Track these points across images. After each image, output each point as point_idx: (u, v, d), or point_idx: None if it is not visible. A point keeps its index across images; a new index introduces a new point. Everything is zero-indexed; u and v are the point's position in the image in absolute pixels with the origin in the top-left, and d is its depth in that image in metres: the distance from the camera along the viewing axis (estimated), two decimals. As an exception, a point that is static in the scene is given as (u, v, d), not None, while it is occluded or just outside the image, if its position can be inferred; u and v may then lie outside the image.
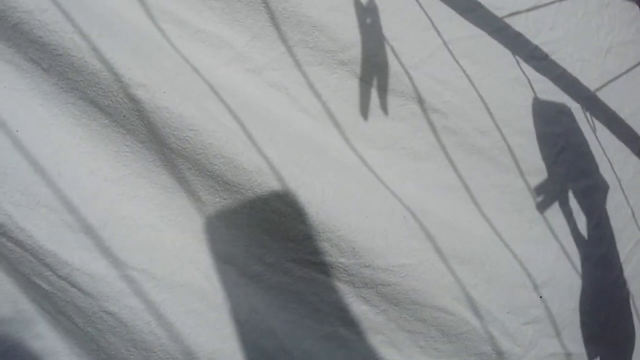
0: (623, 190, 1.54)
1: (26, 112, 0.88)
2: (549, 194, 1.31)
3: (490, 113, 1.21)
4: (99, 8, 0.86)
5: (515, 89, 1.27)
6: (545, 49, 1.37)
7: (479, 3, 1.26)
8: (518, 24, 1.33)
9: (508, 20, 1.30)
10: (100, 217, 0.88)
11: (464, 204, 1.16)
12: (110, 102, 0.85)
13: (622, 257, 1.48)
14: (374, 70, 1.06)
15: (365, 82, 1.06)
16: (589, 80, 1.47)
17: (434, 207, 1.10)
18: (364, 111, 1.04)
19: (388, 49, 1.07)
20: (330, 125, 1.04)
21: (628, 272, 1.51)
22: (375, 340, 1.05)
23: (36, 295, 0.86)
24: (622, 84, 1.58)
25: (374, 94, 1.08)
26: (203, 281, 0.97)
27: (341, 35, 1.02)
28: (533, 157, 1.27)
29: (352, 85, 1.06)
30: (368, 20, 1.05)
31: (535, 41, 1.35)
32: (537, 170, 1.27)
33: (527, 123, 1.27)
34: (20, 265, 0.83)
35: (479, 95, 1.20)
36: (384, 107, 1.08)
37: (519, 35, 1.32)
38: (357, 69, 1.05)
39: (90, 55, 0.80)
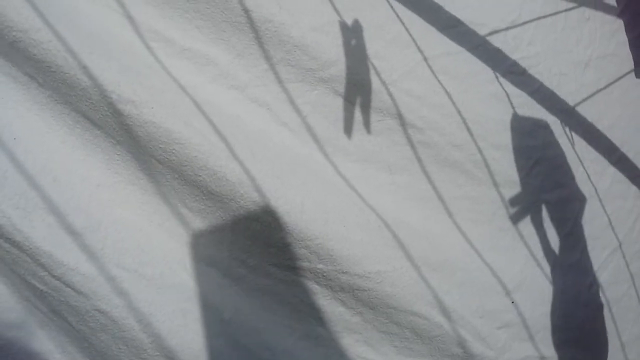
0: (600, 200, 1.63)
1: (23, 121, 0.95)
2: (523, 206, 1.39)
3: (467, 127, 1.29)
4: (91, 26, 0.93)
5: (493, 104, 1.35)
6: (524, 63, 1.44)
7: (459, 20, 1.33)
8: (497, 40, 1.40)
9: (487, 37, 1.37)
10: (93, 221, 0.95)
11: (437, 214, 1.24)
12: (101, 116, 0.93)
13: (597, 264, 1.56)
14: (356, 88, 1.14)
15: (348, 101, 1.13)
16: (567, 93, 1.55)
17: (408, 217, 1.18)
18: (348, 129, 1.11)
19: (369, 67, 1.14)
20: (310, 140, 1.12)
21: (604, 279, 1.60)
22: (351, 340, 1.13)
23: (30, 295, 0.93)
24: (600, 97, 1.66)
25: (357, 111, 1.15)
26: (190, 282, 1.05)
27: (322, 54, 1.09)
28: (507, 169, 1.35)
29: (332, 102, 1.13)
30: (353, 42, 1.12)
31: (514, 56, 1.42)
32: (510, 182, 1.35)
33: (503, 137, 1.35)
34: (16, 266, 0.90)
35: (457, 110, 1.27)
36: (367, 125, 1.16)
37: (497, 51, 1.39)
38: (337, 86, 1.12)
39: (81, 73, 0.87)
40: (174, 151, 0.92)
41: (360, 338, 1.12)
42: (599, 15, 1.71)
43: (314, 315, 1.10)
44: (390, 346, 1.14)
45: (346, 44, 1.11)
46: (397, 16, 1.23)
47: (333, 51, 1.10)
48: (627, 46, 1.79)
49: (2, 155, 0.89)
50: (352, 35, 1.11)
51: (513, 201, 1.35)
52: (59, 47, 0.86)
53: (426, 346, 1.14)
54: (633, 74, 1.82)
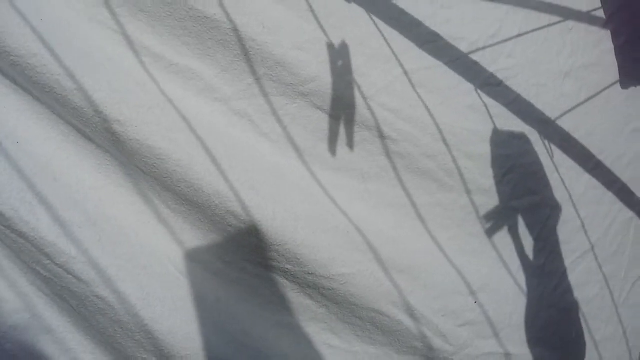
0: (574, 205, 1.72)
1: (24, 128, 1.07)
2: (497, 218, 1.50)
3: (443, 138, 1.38)
4: (86, 47, 1.03)
5: (468, 115, 1.44)
6: (502, 75, 1.52)
7: (438, 35, 1.41)
8: (476, 53, 1.49)
9: (466, 50, 1.46)
10: (89, 217, 1.07)
11: (408, 220, 1.35)
12: (92, 130, 1.04)
13: (565, 267, 1.67)
14: (337, 103, 1.24)
15: (331, 115, 1.23)
16: (545, 103, 1.63)
17: (378, 223, 1.29)
18: (332, 146, 1.22)
19: (350, 82, 1.24)
20: (289, 149, 1.22)
21: (572, 279, 1.71)
22: (318, 328, 1.26)
23: (35, 279, 1.05)
24: (578, 103, 1.74)
25: (337, 124, 1.25)
26: (176, 274, 1.18)
27: (302, 71, 1.19)
28: (478, 178, 1.44)
29: (311, 114, 1.23)
30: (339, 63, 1.22)
31: (492, 68, 1.50)
32: (481, 189, 1.45)
33: (477, 147, 1.44)
34: (22, 254, 1.02)
35: (434, 122, 1.37)
36: (350, 138, 1.26)
37: (475, 64, 1.47)
38: (316, 100, 1.22)
39: (73, 95, 0.99)
40: (155, 165, 1.04)
41: (325, 327, 1.25)
42: (583, 26, 1.78)
43: (284, 305, 1.23)
44: (353, 335, 1.27)
45: (333, 64, 1.21)
46: (381, 33, 1.32)
47: (313, 68, 1.19)
48: (611, 55, 1.85)
49: (9, 156, 1.01)
50: (339, 56, 1.20)
51: (488, 216, 1.46)
52: (52, 71, 0.97)
53: (387, 338, 1.27)
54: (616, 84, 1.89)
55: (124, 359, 1.09)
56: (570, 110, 1.67)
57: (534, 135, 1.58)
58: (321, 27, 1.22)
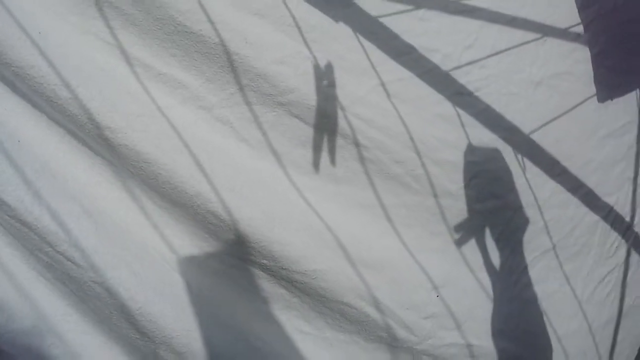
0: (539, 208, 1.85)
1: (24, 129, 1.18)
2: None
3: (414, 146, 1.50)
4: (81, 58, 1.14)
5: (438, 124, 1.55)
6: (474, 85, 1.63)
7: (413, 47, 1.52)
8: (450, 64, 1.60)
9: (440, 62, 1.56)
10: (85, 210, 1.19)
11: (377, 219, 1.48)
12: (85, 135, 1.16)
13: (524, 264, 1.81)
14: (316, 114, 1.35)
15: (310, 125, 1.35)
16: (515, 111, 1.74)
17: (348, 222, 1.41)
18: (316, 163, 1.34)
19: (328, 94, 1.36)
20: (267, 154, 1.34)
21: (532, 275, 1.85)
22: (291, 315, 1.40)
23: (37, 265, 1.18)
24: (549, 113, 1.85)
25: (317, 135, 1.38)
26: (164, 263, 1.31)
27: (281, 82, 1.30)
28: (444, 182, 1.56)
29: (288, 122, 1.35)
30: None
31: (465, 79, 1.61)
32: (446, 193, 1.57)
33: (444, 154, 1.56)
34: (25, 242, 1.14)
35: (406, 131, 1.49)
36: (325, 147, 1.38)
37: (448, 74, 1.58)
38: (293, 110, 1.33)
39: (68, 103, 1.10)
40: (142, 167, 1.16)
41: (298, 314, 1.40)
42: (558, 34, 1.88)
43: (260, 294, 1.37)
44: (323, 322, 1.41)
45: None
46: (363, 49, 1.42)
47: (292, 80, 1.30)
48: (583, 63, 1.95)
49: (13, 153, 1.13)
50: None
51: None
52: (50, 81, 1.08)
53: (355, 327, 1.42)
54: (587, 92, 2.00)
55: (118, 337, 1.23)
56: (546, 124, 1.79)
57: (501, 143, 1.70)
58: (306, 42, 1.33)
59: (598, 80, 2.05)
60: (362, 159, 1.42)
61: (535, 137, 1.81)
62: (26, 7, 1.09)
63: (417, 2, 1.48)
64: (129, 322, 1.21)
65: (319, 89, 1.30)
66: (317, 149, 1.38)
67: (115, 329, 1.21)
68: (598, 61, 2.07)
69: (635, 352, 2.38)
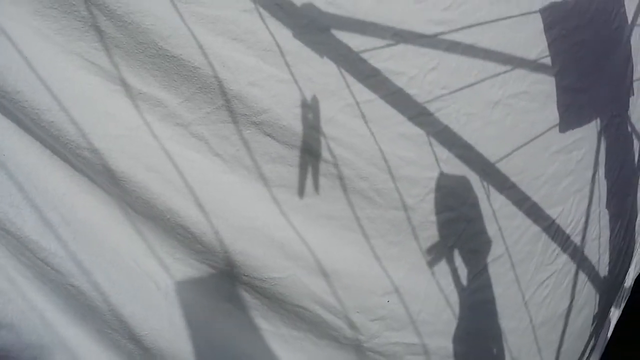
0: (489, 219, 2.05)
1: (9, 143, 1.28)
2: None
3: (379, 163, 1.66)
4: (65, 82, 1.23)
5: (400, 143, 1.70)
6: (435, 106, 1.78)
7: (379, 70, 1.65)
8: (414, 86, 1.74)
9: (404, 84, 1.71)
10: (65, 219, 1.30)
11: (339, 230, 1.63)
12: (66, 151, 1.27)
13: (475, 271, 2.01)
14: (287, 132, 1.48)
15: (281, 143, 1.48)
16: (471, 130, 1.91)
17: (312, 233, 1.57)
18: (286, 178, 1.50)
19: (298, 115, 1.49)
20: (239, 167, 1.47)
21: (479, 282, 2.06)
22: (251, 314, 1.56)
23: (17, 264, 1.28)
24: (503, 130, 2.03)
25: (287, 152, 1.52)
26: (136, 267, 1.44)
27: (255, 104, 1.41)
28: (403, 197, 1.72)
29: (260, 139, 1.46)
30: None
31: (427, 99, 1.77)
32: (404, 206, 1.74)
33: (405, 171, 1.71)
34: (9, 246, 1.24)
35: (369, 149, 1.64)
36: (301, 167, 1.53)
37: (411, 96, 1.73)
38: (266, 129, 1.45)
39: (51, 126, 1.21)
40: (117, 184, 1.29)
41: (257, 314, 1.56)
42: (519, 53, 2.04)
43: (222, 295, 1.53)
44: (280, 321, 1.58)
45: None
46: (340, 70, 1.55)
47: (265, 101, 1.42)
48: (540, 83, 2.13)
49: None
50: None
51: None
52: (33, 106, 1.17)
53: (308, 326, 1.59)
54: (542, 110, 2.19)
55: (94, 331, 1.35)
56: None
57: (457, 160, 1.87)
58: (287, 64, 1.45)
59: (559, 101, 2.24)
60: (328, 174, 1.57)
61: (489, 153, 1.99)
62: (15, 31, 1.17)
63: (397, 38, 1.61)
64: (102, 320, 1.34)
65: (304, 121, 1.43)
66: (286, 165, 1.51)
67: (91, 324, 1.34)
68: (557, 81, 2.25)
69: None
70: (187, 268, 1.47)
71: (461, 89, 1.83)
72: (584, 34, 2.35)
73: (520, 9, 1.97)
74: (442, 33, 1.75)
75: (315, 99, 1.50)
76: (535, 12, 2.09)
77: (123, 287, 1.36)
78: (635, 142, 2.89)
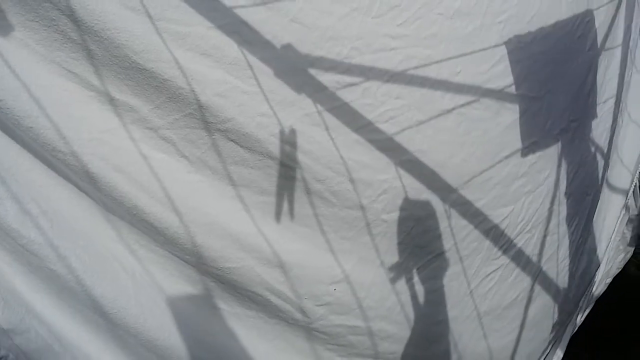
0: (437, 218, 2.28)
1: None
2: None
3: (334, 167, 1.86)
4: (43, 90, 1.40)
5: (355, 148, 1.89)
6: (388, 115, 1.98)
7: (338, 81, 1.84)
8: (368, 96, 1.93)
9: (359, 94, 1.90)
10: (42, 209, 1.48)
11: (294, 226, 1.85)
12: (40, 149, 1.45)
13: (418, 265, 2.26)
14: (250, 139, 1.68)
15: (244, 148, 1.68)
16: (424, 137, 2.12)
17: (269, 228, 1.79)
18: (247, 178, 1.72)
19: (260, 123, 1.68)
20: (204, 169, 1.67)
21: (424, 274, 2.31)
22: (209, 295, 1.79)
23: (0, 251, 1.48)
24: (456, 138, 2.24)
25: (250, 156, 1.72)
26: (105, 253, 1.65)
27: (221, 113, 1.59)
28: (357, 197, 1.94)
29: (224, 144, 1.65)
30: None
31: (381, 109, 1.96)
32: (357, 206, 1.95)
33: (359, 174, 1.90)
34: None
35: (325, 154, 1.84)
36: (262, 169, 1.74)
37: (366, 105, 1.92)
38: (230, 135, 1.64)
39: (29, 130, 1.39)
40: (89, 182, 1.48)
41: (214, 295, 1.78)
42: (472, 68, 2.23)
43: (183, 279, 1.75)
44: (235, 302, 1.82)
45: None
46: (298, 82, 1.74)
47: (230, 111, 1.60)
48: (493, 93, 2.32)
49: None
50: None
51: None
52: (14, 113, 1.35)
53: (260, 307, 1.84)
54: (495, 118, 2.39)
55: (69, 309, 1.54)
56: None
57: (410, 164, 2.08)
58: (256, 82, 1.64)
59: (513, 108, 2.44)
60: (287, 177, 1.77)
61: (441, 157, 2.20)
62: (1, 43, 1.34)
63: (354, 52, 1.79)
64: (77, 299, 1.55)
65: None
66: (248, 167, 1.71)
67: (68, 303, 1.55)
68: (511, 90, 2.45)
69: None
70: (150, 254, 1.69)
71: (414, 98, 2.02)
72: (541, 46, 2.53)
73: (474, 24, 2.14)
74: (397, 48, 1.93)
75: (275, 109, 1.69)
76: (492, 25, 2.26)
77: (95, 270, 1.56)
78: (598, 156, 3.12)
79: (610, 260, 3.46)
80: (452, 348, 2.52)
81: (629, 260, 3.61)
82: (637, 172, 3.46)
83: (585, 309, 3.40)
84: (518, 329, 2.96)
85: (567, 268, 3.16)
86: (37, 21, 1.40)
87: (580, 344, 3.49)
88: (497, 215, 2.52)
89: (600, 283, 3.47)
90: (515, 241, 2.69)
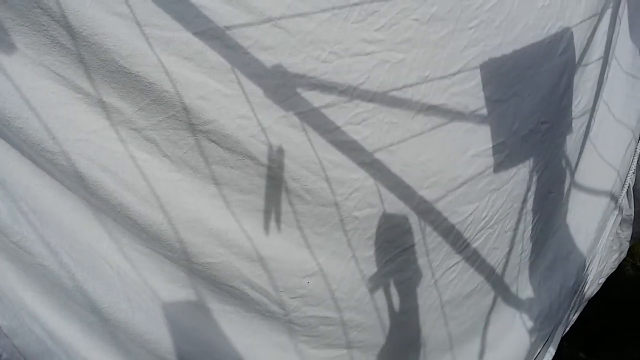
0: (406, 215, 2.44)
1: None
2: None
3: (309, 167, 1.99)
4: (31, 92, 1.48)
5: (330, 149, 2.01)
6: (361, 117, 2.12)
7: (315, 85, 1.97)
8: (345, 98, 2.06)
9: (335, 97, 2.03)
10: (31, 207, 1.56)
11: (268, 223, 1.98)
12: (30, 151, 1.54)
13: (386, 258, 2.42)
14: (230, 140, 1.79)
15: (225, 149, 1.79)
16: (394, 137, 2.27)
17: (245, 224, 1.91)
18: (226, 177, 1.82)
19: (239, 125, 1.80)
20: (185, 168, 1.77)
21: (391, 267, 2.47)
22: (187, 292, 1.90)
23: None
24: (423, 137, 2.39)
25: (230, 155, 1.83)
26: (91, 249, 1.73)
27: (202, 115, 1.69)
28: (330, 195, 2.07)
29: (206, 145, 1.75)
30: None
31: (354, 111, 2.10)
32: (330, 203, 2.09)
33: (332, 172, 2.00)
34: None
35: (302, 154, 1.97)
36: (241, 169, 1.85)
37: (340, 107, 2.05)
38: (212, 136, 1.74)
39: (18, 131, 1.46)
40: (77, 180, 1.57)
41: (193, 292, 1.89)
42: (440, 71, 2.38)
43: (164, 276, 1.84)
44: (213, 298, 1.93)
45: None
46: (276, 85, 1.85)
47: (211, 113, 1.70)
48: (459, 95, 2.48)
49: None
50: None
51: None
52: (4, 114, 1.43)
53: (237, 301, 1.96)
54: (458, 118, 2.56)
55: (60, 304, 1.62)
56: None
57: (379, 163, 2.23)
58: (240, 85, 1.74)
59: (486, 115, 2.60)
60: (264, 176, 1.89)
61: (408, 156, 2.35)
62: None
63: (332, 56, 1.91)
64: (68, 295, 1.63)
65: (245, 128, 1.77)
66: (228, 167, 1.83)
67: (59, 298, 1.62)
68: (476, 92, 2.62)
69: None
70: (132, 252, 1.79)
71: (385, 101, 2.16)
72: (509, 50, 2.69)
73: (447, 29, 2.29)
74: (372, 52, 2.07)
75: (255, 110, 1.81)
76: (464, 30, 2.41)
77: (85, 266, 1.65)
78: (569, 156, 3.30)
79: (603, 260, 3.52)
80: (417, 335, 2.71)
81: (625, 261, 3.64)
82: (629, 172, 3.49)
83: (577, 308, 3.49)
84: (476, 316, 3.16)
85: (526, 260, 3.37)
86: (27, 26, 1.46)
87: (577, 343, 3.57)
88: (462, 212, 2.68)
89: (593, 283, 3.56)
90: (477, 236, 2.88)
